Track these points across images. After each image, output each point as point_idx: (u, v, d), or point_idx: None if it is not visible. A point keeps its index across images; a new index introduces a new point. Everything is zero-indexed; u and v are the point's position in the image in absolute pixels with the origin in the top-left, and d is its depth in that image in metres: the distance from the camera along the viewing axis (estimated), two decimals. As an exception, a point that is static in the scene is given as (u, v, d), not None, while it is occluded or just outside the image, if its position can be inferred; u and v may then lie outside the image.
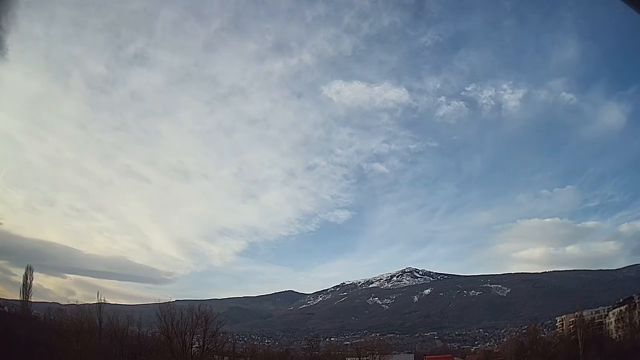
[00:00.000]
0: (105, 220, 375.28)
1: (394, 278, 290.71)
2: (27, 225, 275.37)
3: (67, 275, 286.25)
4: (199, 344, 64.87)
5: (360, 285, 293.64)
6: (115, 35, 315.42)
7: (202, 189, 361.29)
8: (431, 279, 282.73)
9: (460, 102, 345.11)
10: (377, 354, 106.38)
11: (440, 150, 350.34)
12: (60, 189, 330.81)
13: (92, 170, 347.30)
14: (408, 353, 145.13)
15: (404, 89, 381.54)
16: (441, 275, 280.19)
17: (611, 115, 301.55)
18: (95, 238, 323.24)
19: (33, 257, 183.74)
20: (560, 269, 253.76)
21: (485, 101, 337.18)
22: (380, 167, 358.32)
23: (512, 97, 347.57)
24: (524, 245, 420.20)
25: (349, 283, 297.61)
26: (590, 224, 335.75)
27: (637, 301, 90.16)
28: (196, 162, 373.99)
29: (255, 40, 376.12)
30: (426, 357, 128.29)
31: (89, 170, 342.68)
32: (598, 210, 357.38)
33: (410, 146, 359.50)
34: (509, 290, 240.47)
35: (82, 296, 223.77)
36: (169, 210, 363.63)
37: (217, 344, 71.48)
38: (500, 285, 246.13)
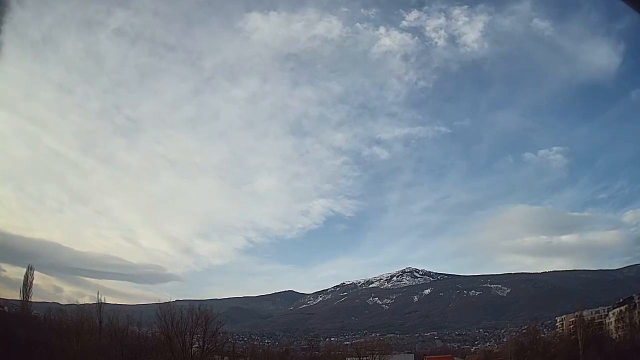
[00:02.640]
0: (97, 217, 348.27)
1: (394, 278, 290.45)
2: (15, 222, 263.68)
3: (57, 273, 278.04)
4: (199, 344, 64.94)
5: (360, 285, 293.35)
6: (92, 9, 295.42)
7: (195, 183, 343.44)
8: (431, 279, 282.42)
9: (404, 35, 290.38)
10: (377, 354, 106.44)
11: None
12: (46, 184, 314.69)
13: (78, 163, 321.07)
14: (408, 353, 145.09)
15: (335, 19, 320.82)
16: (441, 275, 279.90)
17: (599, 54, 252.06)
18: (86, 235, 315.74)
19: (22, 254, 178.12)
20: (560, 269, 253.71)
21: (434, 34, 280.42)
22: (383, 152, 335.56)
23: (469, 27, 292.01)
24: (513, 234, 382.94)
25: (349, 283, 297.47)
26: (587, 213, 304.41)
27: (637, 301, 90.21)
28: (187, 153, 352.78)
29: (242, 11, 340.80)
30: (426, 357, 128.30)
31: (74, 162, 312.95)
32: (596, 195, 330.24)
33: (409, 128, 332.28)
34: (509, 290, 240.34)
35: (71, 293, 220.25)
36: (164, 206, 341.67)
37: (217, 344, 71.61)
38: (500, 285, 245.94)
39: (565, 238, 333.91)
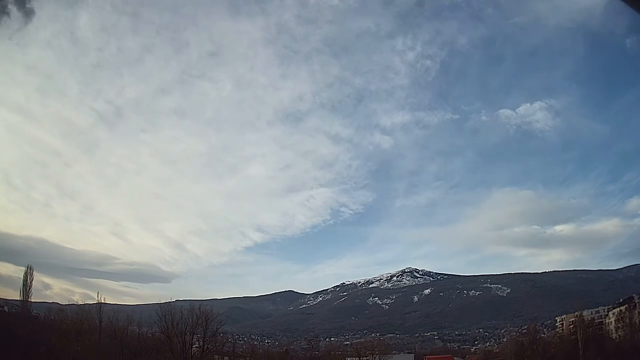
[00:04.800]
0: (86, 213, 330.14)
1: (394, 278, 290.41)
2: (4, 219, 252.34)
3: (48, 271, 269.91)
4: (199, 344, 64.99)
5: (360, 285, 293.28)
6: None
7: (187, 176, 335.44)
8: (431, 279, 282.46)
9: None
10: (377, 354, 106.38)
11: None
12: (32, 176, 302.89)
13: (64, 155, 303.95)
14: (408, 353, 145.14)
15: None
16: (441, 275, 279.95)
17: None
18: (76, 232, 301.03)
19: (11, 251, 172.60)
20: (560, 269, 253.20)
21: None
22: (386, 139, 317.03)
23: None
24: (501, 224, 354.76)
25: (349, 283, 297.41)
26: (585, 200, 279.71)
27: (637, 301, 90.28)
28: (176, 143, 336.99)
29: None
30: (426, 357, 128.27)
31: (60, 154, 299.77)
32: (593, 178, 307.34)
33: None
34: (509, 290, 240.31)
35: (60, 289, 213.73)
36: (156, 201, 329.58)
37: (217, 344, 71.57)
38: (500, 285, 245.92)
39: (559, 228, 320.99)
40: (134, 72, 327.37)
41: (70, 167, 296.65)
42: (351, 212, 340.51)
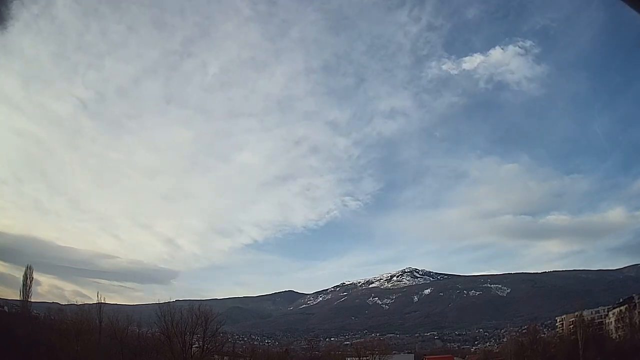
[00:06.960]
0: (78, 210, 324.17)
1: (394, 278, 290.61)
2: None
3: (40, 270, 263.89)
4: (199, 344, 64.99)
5: (360, 285, 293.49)
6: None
7: (183, 171, 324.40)
8: (431, 279, 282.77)
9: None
10: (377, 354, 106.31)
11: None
12: (20, 169, 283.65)
13: (53, 150, 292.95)
14: (408, 353, 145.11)
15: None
16: (441, 275, 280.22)
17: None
18: (66, 228, 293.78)
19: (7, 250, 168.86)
20: (560, 269, 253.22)
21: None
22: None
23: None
24: (487, 212, 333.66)
25: (349, 283, 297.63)
26: (582, 181, 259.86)
27: (637, 301, 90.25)
28: (168, 137, 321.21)
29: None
30: (426, 357, 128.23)
31: (48, 148, 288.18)
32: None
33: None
34: (509, 290, 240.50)
35: (49, 286, 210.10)
36: (152, 198, 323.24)
37: (217, 344, 71.54)
38: (500, 285, 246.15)
39: (552, 218, 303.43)
40: (117, 55, 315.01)
41: (57, 159, 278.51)
42: (357, 202, 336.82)
